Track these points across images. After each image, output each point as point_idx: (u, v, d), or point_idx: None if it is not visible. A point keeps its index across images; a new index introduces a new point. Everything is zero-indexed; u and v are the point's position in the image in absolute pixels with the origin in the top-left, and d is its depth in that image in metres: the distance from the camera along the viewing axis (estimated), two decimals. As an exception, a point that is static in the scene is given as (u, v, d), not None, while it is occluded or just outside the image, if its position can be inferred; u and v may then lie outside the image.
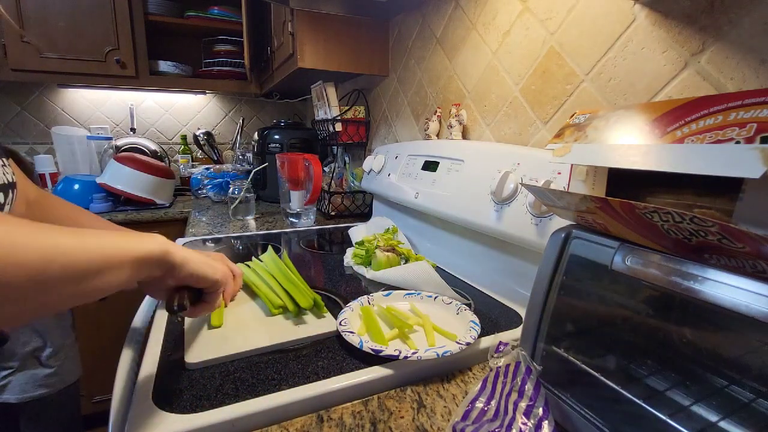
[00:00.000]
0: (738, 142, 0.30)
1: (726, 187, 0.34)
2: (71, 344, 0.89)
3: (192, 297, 0.46)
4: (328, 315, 0.62)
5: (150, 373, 0.48)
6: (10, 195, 0.49)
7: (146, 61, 1.82)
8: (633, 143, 0.39)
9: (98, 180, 1.53)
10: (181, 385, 0.46)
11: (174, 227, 1.55)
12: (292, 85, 1.74)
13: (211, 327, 0.59)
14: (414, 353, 0.50)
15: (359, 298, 0.65)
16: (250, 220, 1.39)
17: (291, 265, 0.75)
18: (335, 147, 1.61)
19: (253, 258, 0.81)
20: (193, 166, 2.04)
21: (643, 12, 0.59)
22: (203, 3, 1.94)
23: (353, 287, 0.78)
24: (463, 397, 0.46)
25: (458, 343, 0.52)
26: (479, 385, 0.43)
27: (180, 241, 1.07)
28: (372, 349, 0.51)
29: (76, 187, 1.52)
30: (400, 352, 0.50)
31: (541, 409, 0.39)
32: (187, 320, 0.60)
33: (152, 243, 0.39)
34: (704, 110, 0.35)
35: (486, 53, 0.91)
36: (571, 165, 0.50)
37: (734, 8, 0.48)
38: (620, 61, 0.62)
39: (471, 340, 0.53)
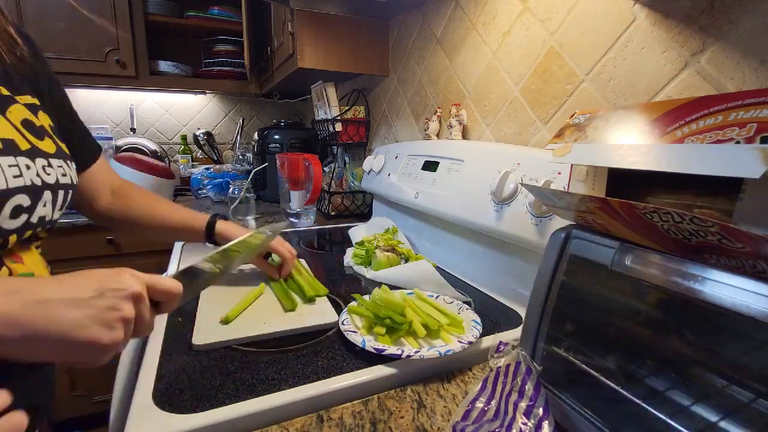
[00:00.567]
0: (738, 142, 0.30)
1: (726, 187, 0.34)
2: None
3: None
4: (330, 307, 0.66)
5: (150, 372, 0.48)
6: (61, 195, 0.47)
7: (146, 61, 1.82)
8: (633, 143, 0.39)
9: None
10: (181, 385, 0.46)
11: (174, 227, 1.54)
12: (292, 85, 1.74)
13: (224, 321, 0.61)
14: (416, 352, 0.50)
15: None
16: (250, 220, 1.39)
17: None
18: (335, 147, 1.61)
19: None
20: (193, 166, 2.04)
21: (643, 12, 0.59)
22: (203, 3, 1.94)
23: (353, 287, 0.78)
24: (463, 397, 0.46)
25: (460, 341, 0.52)
26: (479, 385, 0.43)
27: (178, 243, 1.01)
28: (374, 348, 0.51)
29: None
30: (402, 351, 0.50)
31: (541, 409, 0.39)
32: (199, 309, 0.63)
33: None
34: (704, 110, 0.34)
35: (486, 53, 0.91)
36: (571, 165, 0.50)
37: (734, 8, 0.48)
38: (620, 61, 0.62)
39: (473, 338, 0.53)
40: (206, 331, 0.56)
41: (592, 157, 0.42)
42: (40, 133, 0.46)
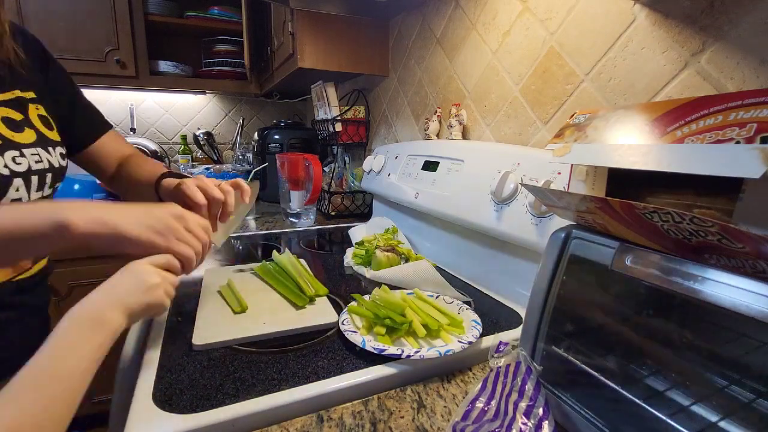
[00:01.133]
0: (738, 142, 0.30)
1: (726, 187, 0.34)
2: None
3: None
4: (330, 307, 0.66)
5: (150, 373, 0.48)
6: (35, 180, 0.55)
7: (146, 61, 1.81)
8: (633, 143, 0.39)
9: (98, 180, 1.53)
10: (181, 385, 0.46)
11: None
12: (292, 85, 1.74)
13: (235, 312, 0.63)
14: (416, 352, 0.50)
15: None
16: (250, 220, 1.39)
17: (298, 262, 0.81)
18: (335, 147, 1.61)
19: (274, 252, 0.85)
20: (193, 166, 2.04)
21: (643, 12, 0.59)
22: (203, 3, 1.94)
23: (353, 287, 0.78)
24: (463, 397, 0.46)
25: (460, 342, 0.52)
26: (479, 385, 0.43)
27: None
28: (374, 348, 0.51)
29: (76, 186, 1.52)
30: (402, 351, 0.50)
31: (541, 409, 0.39)
32: (199, 309, 0.63)
33: (39, 217, 0.41)
34: (704, 110, 0.34)
35: (486, 53, 0.91)
36: (571, 165, 0.50)
37: (734, 8, 0.48)
38: (620, 61, 0.62)
39: (473, 338, 0.53)
40: (206, 331, 0.56)
41: (592, 157, 0.42)
42: (19, 125, 0.54)
